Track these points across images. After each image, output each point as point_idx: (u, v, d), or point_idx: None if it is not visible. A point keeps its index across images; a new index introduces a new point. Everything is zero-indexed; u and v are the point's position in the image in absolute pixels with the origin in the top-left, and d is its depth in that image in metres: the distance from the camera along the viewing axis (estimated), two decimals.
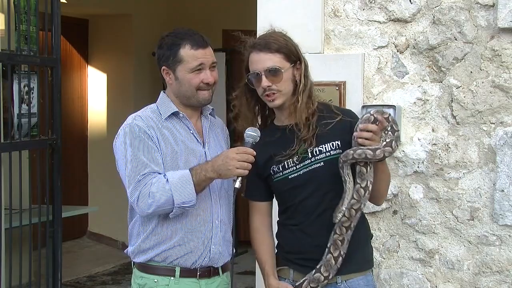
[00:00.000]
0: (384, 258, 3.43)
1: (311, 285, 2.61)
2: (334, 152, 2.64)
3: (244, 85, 2.73)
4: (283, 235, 2.76)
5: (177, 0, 7.84)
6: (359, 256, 2.68)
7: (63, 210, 4.31)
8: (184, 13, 7.86)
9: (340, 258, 2.59)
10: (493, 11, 3.17)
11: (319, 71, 3.45)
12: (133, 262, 2.76)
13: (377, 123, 2.55)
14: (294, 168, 2.65)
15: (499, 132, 3.18)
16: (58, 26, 4.17)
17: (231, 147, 2.82)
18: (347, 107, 3.41)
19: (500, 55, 3.17)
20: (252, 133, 2.59)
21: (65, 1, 5.90)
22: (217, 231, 2.70)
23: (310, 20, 3.49)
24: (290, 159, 2.65)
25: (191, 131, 2.72)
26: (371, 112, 2.60)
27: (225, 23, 7.56)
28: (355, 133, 2.57)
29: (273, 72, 2.60)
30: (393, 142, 2.56)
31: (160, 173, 2.58)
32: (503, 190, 3.17)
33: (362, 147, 2.53)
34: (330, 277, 2.60)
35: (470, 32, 3.23)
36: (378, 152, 2.52)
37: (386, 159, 2.60)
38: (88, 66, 7.92)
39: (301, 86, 2.65)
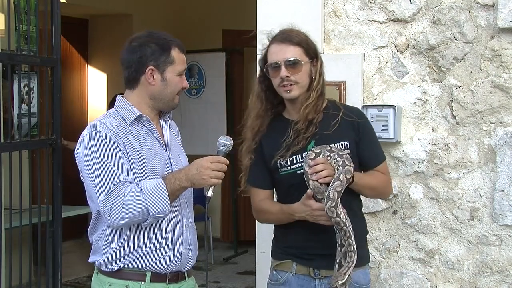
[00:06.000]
0: (384, 258, 3.43)
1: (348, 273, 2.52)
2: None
3: (258, 77, 2.76)
4: (283, 232, 2.76)
5: (177, 0, 7.84)
6: (360, 252, 2.64)
7: (63, 210, 4.31)
8: (184, 13, 7.86)
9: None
10: (493, 11, 3.17)
11: None
12: (98, 268, 2.69)
13: (321, 156, 2.55)
14: (302, 164, 2.64)
15: (499, 132, 3.18)
16: (58, 26, 4.17)
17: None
18: None
19: (500, 55, 3.17)
20: (225, 142, 2.58)
21: (65, 1, 5.90)
22: (187, 235, 2.68)
23: (310, 20, 3.49)
24: (299, 155, 2.66)
25: (154, 135, 2.66)
26: (312, 149, 2.60)
27: (225, 23, 7.56)
28: (308, 173, 2.52)
29: (293, 63, 2.64)
30: (341, 174, 2.52)
31: (131, 182, 2.52)
32: (503, 190, 3.17)
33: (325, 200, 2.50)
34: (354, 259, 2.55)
35: (470, 32, 3.23)
36: (331, 194, 2.49)
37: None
38: (88, 66, 7.92)
39: (315, 82, 2.69)
